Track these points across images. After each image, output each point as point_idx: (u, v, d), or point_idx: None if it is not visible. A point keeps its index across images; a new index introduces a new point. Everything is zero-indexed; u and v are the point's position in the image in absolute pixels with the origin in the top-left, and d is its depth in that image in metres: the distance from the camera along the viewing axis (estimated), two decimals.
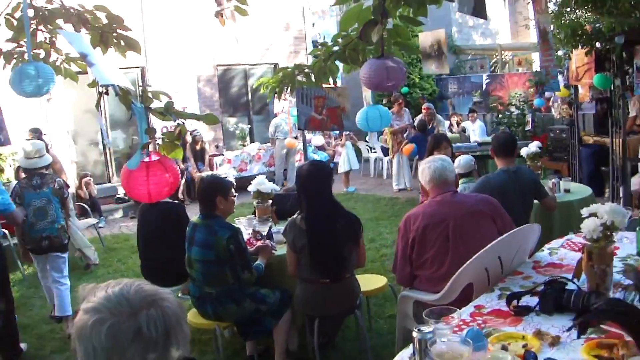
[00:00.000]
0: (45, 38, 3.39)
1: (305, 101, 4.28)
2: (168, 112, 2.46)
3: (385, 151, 13.19)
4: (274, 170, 13.68)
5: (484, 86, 15.36)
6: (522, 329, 2.63)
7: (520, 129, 13.58)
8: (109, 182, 12.60)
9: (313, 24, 16.62)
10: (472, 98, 15.74)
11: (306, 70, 3.47)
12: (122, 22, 2.39)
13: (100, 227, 9.63)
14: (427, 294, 3.76)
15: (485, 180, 4.91)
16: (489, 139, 12.45)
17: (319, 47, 3.32)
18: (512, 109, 14.20)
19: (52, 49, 3.45)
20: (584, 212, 3.05)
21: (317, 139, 15.23)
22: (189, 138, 12.42)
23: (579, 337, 2.31)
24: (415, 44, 8.54)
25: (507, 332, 2.59)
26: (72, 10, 3.08)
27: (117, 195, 12.14)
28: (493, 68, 17.57)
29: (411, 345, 2.47)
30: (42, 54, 3.41)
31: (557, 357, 2.29)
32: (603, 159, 8.96)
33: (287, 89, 3.52)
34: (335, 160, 15.29)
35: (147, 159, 2.39)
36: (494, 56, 17.75)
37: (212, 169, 12.65)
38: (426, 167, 4.02)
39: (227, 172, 11.79)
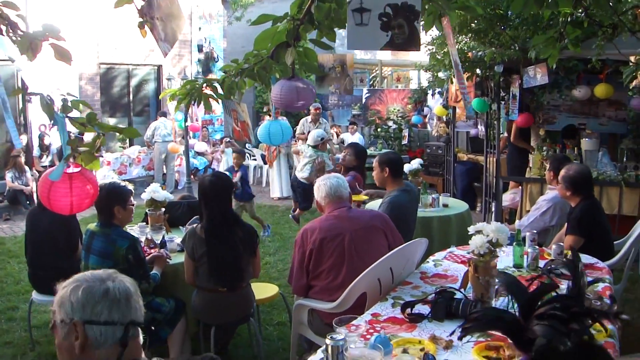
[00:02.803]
0: None
1: (228, 112, 4.40)
2: (90, 123, 2.49)
3: (265, 158, 13.33)
4: (153, 174, 13.50)
5: (364, 100, 15.83)
6: (417, 335, 2.89)
7: (397, 143, 14.17)
8: None
9: (200, 28, 16.55)
10: (351, 111, 16.15)
11: (214, 84, 3.57)
12: (58, 33, 2.41)
13: None
14: (323, 303, 3.95)
15: (396, 201, 5.12)
16: (368, 151, 12.92)
17: (231, 63, 3.42)
18: (390, 123, 14.75)
19: None
20: (471, 229, 3.38)
21: (200, 144, 15.19)
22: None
23: (460, 339, 2.58)
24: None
25: (405, 337, 2.82)
26: None
27: None
28: (372, 82, 18.12)
29: (319, 351, 2.66)
30: None
31: (452, 359, 2.54)
32: (476, 175, 9.61)
33: (194, 101, 3.60)
34: (212, 166, 15.31)
35: (68, 170, 2.41)
36: (374, 71, 18.31)
37: None
38: (322, 184, 4.24)
39: (107, 174, 11.56)
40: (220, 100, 3.61)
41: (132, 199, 4.42)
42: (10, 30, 2.48)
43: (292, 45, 3.04)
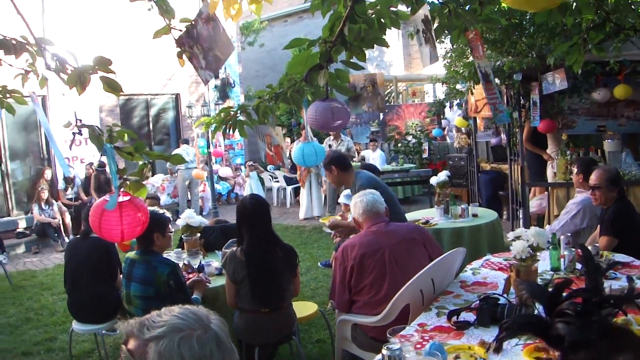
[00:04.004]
0: None
1: (261, 138, 4.49)
2: (138, 152, 2.58)
3: (289, 180, 13.46)
4: (178, 201, 13.63)
5: (381, 116, 15.92)
6: (466, 341, 2.94)
7: (417, 157, 14.22)
8: (9, 215, 12.19)
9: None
10: (369, 128, 16.25)
11: (248, 110, 3.65)
12: (109, 65, 2.51)
13: (4, 264, 9.29)
14: (366, 317, 4.00)
15: (365, 182, 5.39)
16: (389, 167, 13.01)
17: (266, 88, 3.51)
18: (409, 138, 14.82)
19: None
20: (510, 235, 3.43)
21: (224, 169, 15.33)
22: (92, 170, 12.28)
23: (496, 351, 2.61)
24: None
25: (454, 344, 2.87)
26: (14, 42, 3.15)
27: (18, 230, 11.79)
28: (388, 99, 18.22)
29: None
30: None
31: None
32: (500, 184, 9.63)
33: (229, 129, 3.68)
34: (235, 190, 15.44)
35: (120, 199, 2.49)
36: (389, 87, 18.42)
37: None
38: (358, 201, 4.32)
39: None
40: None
41: (170, 226, 4.50)
42: (60, 65, 2.59)
43: (324, 67, 3.12)
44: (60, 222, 11.57)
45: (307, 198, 12.17)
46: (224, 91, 17.02)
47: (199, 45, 2.91)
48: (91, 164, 12.50)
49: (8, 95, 3.64)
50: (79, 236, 5.42)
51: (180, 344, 1.51)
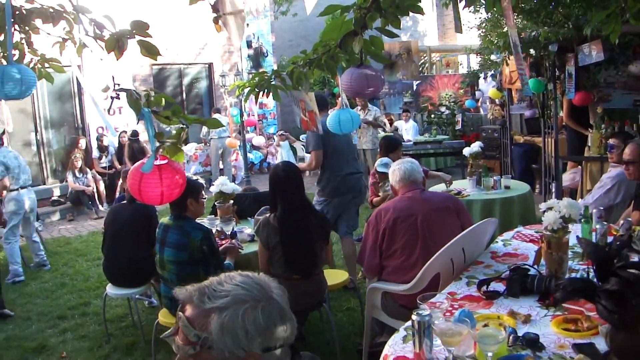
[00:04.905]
0: (21, 38, 3.44)
1: (295, 103, 4.51)
2: (176, 115, 2.61)
3: None
4: (211, 170, 13.74)
5: (415, 87, 15.81)
6: (495, 311, 2.95)
7: (450, 129, 14.13)
8: (44, 184, 12.40)
9: (247, 24, 16.74)
10: (402, 98, 16.16)
11: (282, 75, 3.66)
12: (147, 29, 2.54)
13: (39, 231, 9.47)
14: (396, 285, 4.04)
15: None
16: (422, 138, 12.94)
17: (300, 54, 3.52)
18: (443, 109, 14.72)
19: (28, 50, 3.50)
20: (542, 206, 3.42)
21: (258, 138, 15.39)
22: (126, 139, 12.42)
23: (556, 305, 2.55)
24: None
25: (483, 314, 2.88)
26: (51, 10, 3.18)
27: (53, 198, 12.01)
28: (421, 69, 18.08)
29: (401, 329, 2.75)
30: (17, 55, 3.45)
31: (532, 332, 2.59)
32: (533, 157, 9.54)
33: (264, 92, 3.70)
34: (268, 159, 15.51)
35: (156, 162, 2.52)
36: (423, 57, 18.26)
37: None
38: (397, 169, 4.40)
39: None
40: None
41: (203, 192, 4.56)
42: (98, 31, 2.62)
43: (359, 33, 3.12)
44: (95, 190, 11.78)
45: None
46: (257, 60, 17.03)
47: (228, 12, 2.93)
48: (124, 132, 12.65)
49: (47, 65, 3.68)
50: (124, 202, 5.55)
51: (245, 316, 1.47)
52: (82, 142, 12.17)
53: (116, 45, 2.56)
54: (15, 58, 3.30)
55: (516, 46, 3.67)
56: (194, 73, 15.74)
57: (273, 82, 3.71)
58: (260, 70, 16.21)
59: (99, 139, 12.66)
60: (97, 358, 5.09)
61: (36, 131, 12.34)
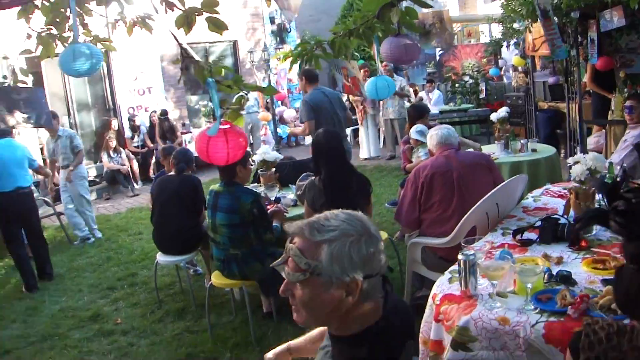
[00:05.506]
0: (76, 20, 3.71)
1: (338, 71, 4.81)
2: (237, 84, 2.89)
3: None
4: None
5: (437, 57, 15.93)
6: (530, 255, 3.24)
7: (474, 97, 14.27)
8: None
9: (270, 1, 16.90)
10: (425, 69, 16.29)
11: (324, 45, 3.93)
12: (216, 5, 2.82)
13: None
14: (436, 239, 4.35)
15: (310, 99, 6.50)
16: (447, 107, 13.13)
17: (338, 24, 3.79)
18: (466, 78, 14.85)
19: (83, 31, 3.74)
20: (570, 160, 3.71)
21: (289, 111, 15.62)
22: (156, 118, 12.75)
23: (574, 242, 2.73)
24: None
25: (519, 257, 3.17)
26: None
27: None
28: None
29: (446, 273, 3.06)
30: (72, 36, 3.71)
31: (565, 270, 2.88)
32: (557, 122, 9.74)
33: (305, 62, 3.97)
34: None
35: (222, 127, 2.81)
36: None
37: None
38: (434, 134, 4.74)
39: None
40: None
41: (250, 159, 4.84)
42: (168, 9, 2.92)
43: (396, 4, 3.39)
44: (129, 168, 12.14)
45: (366, 138, 12.47)
46: (280, 36, 17.23)
47: None
48: (154, 112, 12.97)
49: (99, 45, 3.93)
50: (171, 173, 5.86)
51: (351, 247, 1.69)
52: (114, 123, 12.51)
53: (185, 21, 2.85)
54: (70, 40, 3.56)
55: (546, 12, 3.89)
56: (219, 51, 15.97)
57: (316, 52, 3.98)
58: (285, 45, 16.49)
59: (131, 119, 13.02)
60: (151, 322, 5.36)
61: (69, 114, 12.64)
